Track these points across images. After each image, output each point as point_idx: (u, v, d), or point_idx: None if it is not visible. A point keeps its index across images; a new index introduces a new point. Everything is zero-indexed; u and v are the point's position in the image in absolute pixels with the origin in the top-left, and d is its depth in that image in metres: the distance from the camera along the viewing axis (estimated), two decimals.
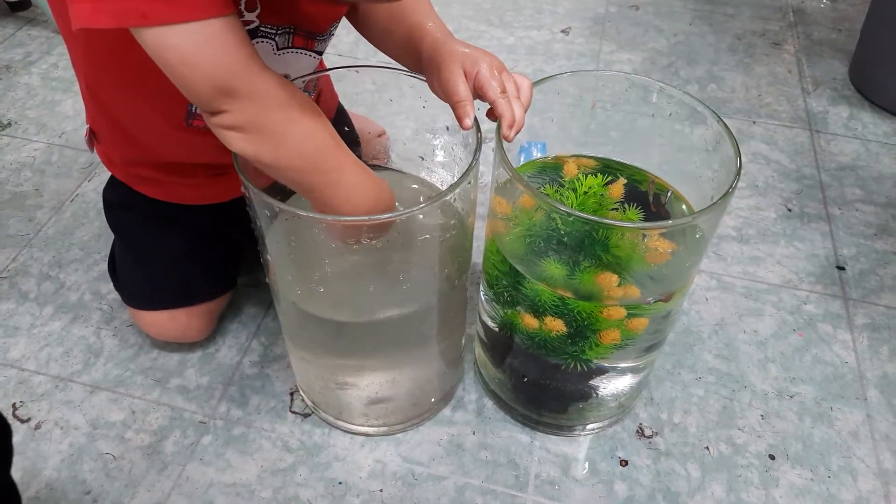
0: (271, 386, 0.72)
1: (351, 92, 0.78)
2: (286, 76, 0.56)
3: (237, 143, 0.45)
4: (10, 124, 1.02)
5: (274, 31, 0.53)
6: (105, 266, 0.83)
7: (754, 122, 1.08)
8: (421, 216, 0.48)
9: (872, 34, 1.12)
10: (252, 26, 0.51)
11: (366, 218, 0.47)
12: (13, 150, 0.98)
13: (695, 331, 0.79)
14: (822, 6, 1.35)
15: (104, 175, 0.94)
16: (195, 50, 0.41)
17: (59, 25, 0.56)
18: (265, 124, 0.45)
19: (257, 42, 0.53)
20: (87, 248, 0.86)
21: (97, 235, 0.87)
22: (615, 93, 0.63)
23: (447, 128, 0.59)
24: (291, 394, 0.72)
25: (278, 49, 0.54)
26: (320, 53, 0.59)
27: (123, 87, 0.56)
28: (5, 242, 0.86)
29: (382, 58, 0.62)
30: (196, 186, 0.67)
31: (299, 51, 0.56)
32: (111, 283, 0.80)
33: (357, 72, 0.58)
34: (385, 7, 0.57)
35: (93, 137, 0.66)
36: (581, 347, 0.59)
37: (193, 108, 0.56)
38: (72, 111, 1.05)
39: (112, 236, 0.85)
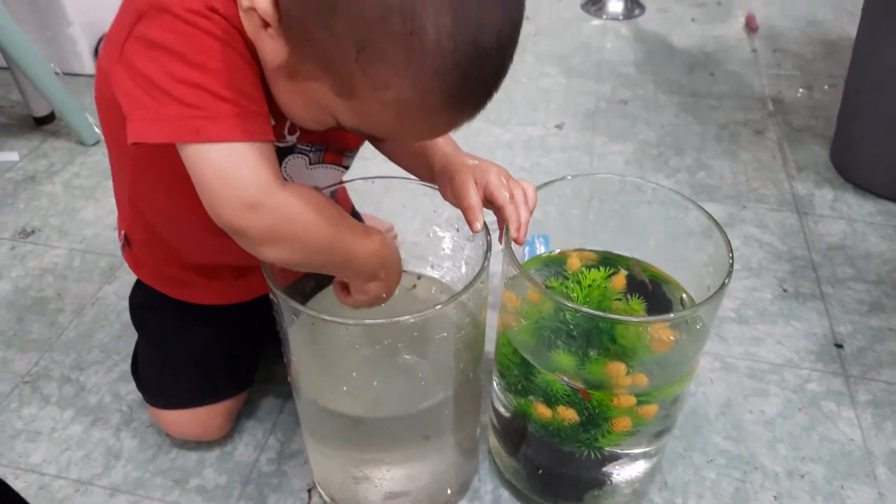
0: (289, 483, 0.73)
1: (361, 190, 0.83)
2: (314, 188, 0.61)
3: (269, 252, 0.49)
4: (33, 232, 1.07)
5: (308, 149, 0.59)
6: (124, 367, 0.85)
7: (744, 207, 1.13)
8: (437, 316, 0.51)
9: (848, 121, 1.19)
10: (290, 144, 0.57)
11: (387, 321, 0.50)
12: (36, 257, 1.02)
13: (702, 412, 0.81)
14: (798, 95, 1.44)
15: (124, 278, 0.98)
16: (232, 167, 0.46)
17: (107, 137, 0.61)
18: (290, 231, 0.48)
19: (293, 157, 0.58)
20: (107, 349, 0.88)
21: (117, 337, 0.90)
22: (611, 189, 0.68)
23: (457, 229, 0.64)
24: (309, 490, 0.73)
25: (311, 164, 0.60)
26: (347, 167, 0.64)
27: (165, 195, 0.60)
28: (28, 347, 0.89)
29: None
30: (221, 287, 0.71)
31: (329, 165, 0.62)
32: (130, 384, 0.82)
33: (373, 182, 0.63)
34: None
35: (126, 242, 0.70)
36: (594, 435, 0.60)
37: None
38: (92, 217, 1.10)
39: (132, 337, 0.87)
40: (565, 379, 0.57)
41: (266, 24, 0.45)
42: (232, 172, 0.46)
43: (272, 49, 0.46)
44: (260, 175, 0.47)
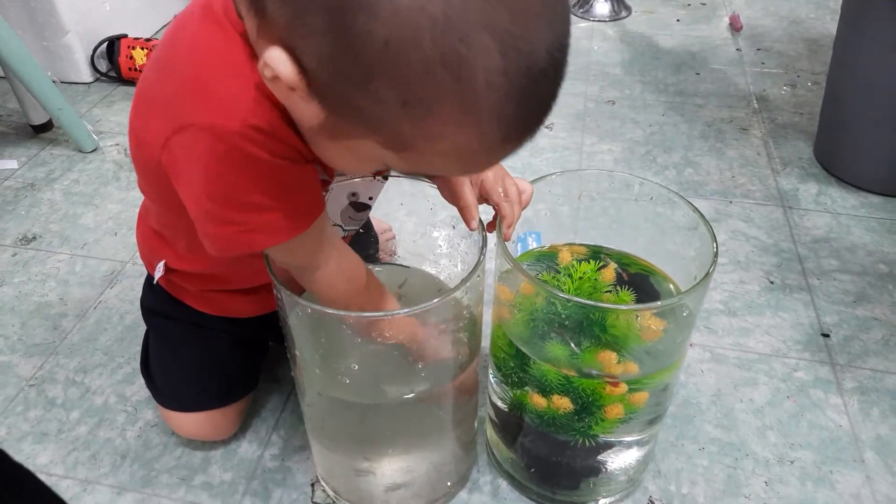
0: (293, 478, 0.75)
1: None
2: (354, 194, 0.65)
3: (304, 286, 0.57)
4: (34, 238, 1.09)
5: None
6: (128, 369, 0.87)
7: (731, 202, 1.16)
8: (435, 309, 0.54)
9: (830, 117, 1.22)
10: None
11: (384, 314, 0.52)
12: (38, 263, 1.04)
13: (694, 402, 0.83)
14: (782, 93, 1.47)
15: (125, 282, 1.00)
16: (287, 251, 0.53)
17: (155, 195, 0.62)
18: (325, 292, 0.57)
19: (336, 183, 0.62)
20: (111, 352, 0.90)
21: (119, 339, 0.91)
22: (600, 185, 0.70)
23: (453, 227, 0.66)
24: (312, 485, 0.74)
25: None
26: (387, 178, 0.67)
27: None
28: (32, 351, 0.90)
29: None
30: (257, 301, 0.73)
31: (375, 178, 0.65)
32: (134, 385, 0.84)
33: (371, 181, 0.66)
34: None
35: (167, 271, 0.70)
36: (588, 423, 0.62)
37: None
38: (92, 223, 1.11)
39: (135, 339, 0.89)
40: None
41: (293, 88, 0.41)
42: (288, 253, 0.54)
43: (306, 111, 0.42)
44: (312, 250, 0.54)
